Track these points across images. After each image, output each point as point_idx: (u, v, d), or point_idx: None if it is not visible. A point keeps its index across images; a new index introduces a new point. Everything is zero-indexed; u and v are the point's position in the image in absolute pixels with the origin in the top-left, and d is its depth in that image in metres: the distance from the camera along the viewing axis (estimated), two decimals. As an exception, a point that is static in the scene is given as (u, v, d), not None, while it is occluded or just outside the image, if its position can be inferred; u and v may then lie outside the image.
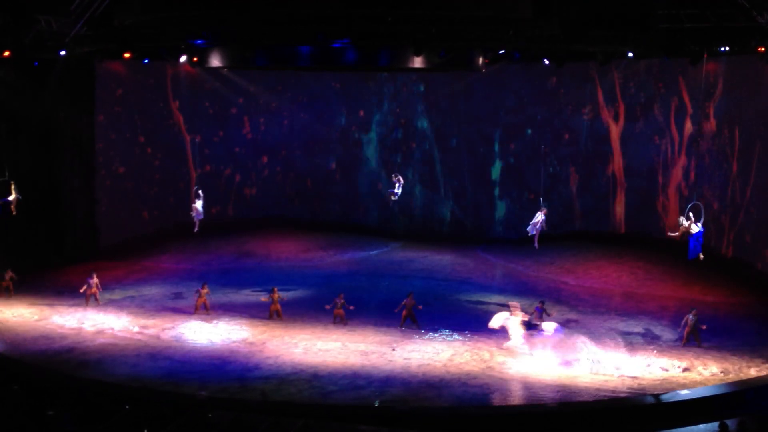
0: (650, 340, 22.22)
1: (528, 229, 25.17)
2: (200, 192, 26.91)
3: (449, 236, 34.92)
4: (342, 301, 23.35)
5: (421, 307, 23.31)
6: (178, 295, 26.26)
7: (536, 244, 25.51)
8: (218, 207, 35.03)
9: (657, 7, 22.20)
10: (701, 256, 21.24)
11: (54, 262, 29.17)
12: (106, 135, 32.24)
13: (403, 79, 35.35)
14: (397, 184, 28.01)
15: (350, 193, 36.76)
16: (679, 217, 21.57)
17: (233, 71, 34.12)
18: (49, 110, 29.11)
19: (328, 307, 23.54)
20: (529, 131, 34.25)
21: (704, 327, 21.61)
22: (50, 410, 13.93)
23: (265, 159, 36.89)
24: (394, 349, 21.08)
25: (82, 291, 24.93)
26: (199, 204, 26.63)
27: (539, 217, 24.93)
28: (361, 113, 36.36)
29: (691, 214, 21.00)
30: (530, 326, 21.13)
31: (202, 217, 26.72)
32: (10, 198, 23.32)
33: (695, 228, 20.97)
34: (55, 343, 21.43)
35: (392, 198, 28.22)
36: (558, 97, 33.57)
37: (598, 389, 18.39)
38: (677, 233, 21.49)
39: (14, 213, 24.31)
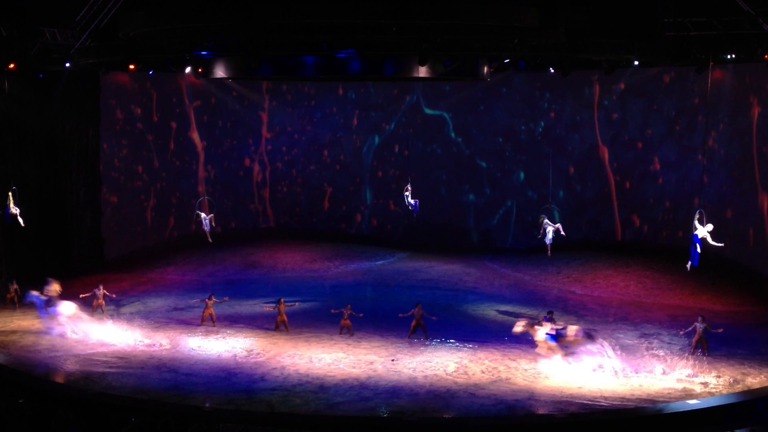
0: (658, 349, 22.06)
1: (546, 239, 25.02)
2: (206, 202, 26.89)
3: (456, 246, 34.83)
4: (349, 311, 23.28)
5: (435, 317, 23.21)
6: (183, 307, 26.19)
7: (549, 252, 25.37)
8: (225, 218, 35.01)
9: (663, 15, 22.14)
10: (687, 265, 21.14)
11: (59, 274, 29.06)
12: (112, 146, 32.26)
13: (410, 87, 35.34)
14: (408, 194, 27.91)
15: (356, 202, 36.72)
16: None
17: (238, 82, 34.16)
18: (54, 122, 29.16)
19: (334, 311, 23.51)
20: (530, 139, 34.33)
21: (720, 330, 21.49)
22: (55, 423, 13.86)
23: (271, 169, 36.89)
24: (393, 360, 20.98)
25: (82, 296, 24.87)
26: (204, 214, 26.59)
27: (551, 227, 24.86)
28: (368, 123, 36.36)
29: (710, 225, 20.94)
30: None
31: (209, 228, 26.66)
32: (13, 210, 23.33)
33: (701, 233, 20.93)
34: (60, 355, 21.35)
35: (411, 209, 28.05)
36: (563, 105, 33.56)
37: (606, 399, 18.26)
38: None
39: (22, 225, 24.23)
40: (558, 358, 20.40)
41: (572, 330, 20.82)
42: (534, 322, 21.45)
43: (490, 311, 26.14)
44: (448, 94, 35.07)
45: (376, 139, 36.27)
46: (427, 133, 35.73)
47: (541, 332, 20.72)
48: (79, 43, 23.78)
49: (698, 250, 20.78)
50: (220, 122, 35.91)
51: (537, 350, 20.89)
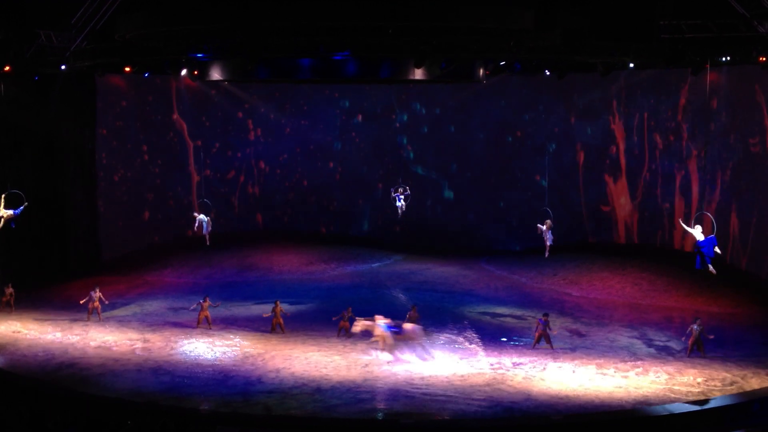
0: (654, 351, 22.10)
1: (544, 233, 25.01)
2: (202, 205, 26.87)
3: (452, 248, 34.82)
4: (349, 314, 23.26)
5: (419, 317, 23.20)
6: (179, 309, 26.16)
7: (547, 254, 25.36)
8: (221, 220, 34.97)
9: (658, 18, 22.19)
10: (711, 269, 20.76)
11: (56, 277, 29.08)
12: (108, 148, 32.26)
13: (405, 88, 35.36)
14: (400, 196, 27.95)
15: (352, 205, 36.70)
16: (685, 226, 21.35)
17: (235, 84, 34.14)
18: (50, 124, 29.12)
19: (335, 318, 23.51)
20: (526, 142, 34.36)
21: (711, 337, 21.51)
22: (52, 426, 13.84)
23: (267, 171, 36.86)
24: (388, 362, 20.92)
25: (82, 302, 24.90)
26: (203, 216, 26.54)
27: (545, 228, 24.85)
28: (363, 124, 36.36)
29: (698, 226, 20.82)
30: None
31: (208, 230, 26.62)
32: (4, 214, 23.24)
33: (699, 236, 20.74)
34: (57, 358, 21.32)
35: (399, 211, 28.15)
36: (558, 108, 33.61)
37: (602, 401, 18.27)
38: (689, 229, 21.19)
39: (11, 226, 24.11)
40: (389, 349, 21.16)
41: (409, 327, 21.58)
42: (371, 319, 21.99)
43: (486, 313, 26.14)
44: (447, 94, 35.06)
45: (373, 141, 36.25)
46: (424, 133, 35.74)
47: (381, 323, 21.49)
48: (75, 46, 23.74)
49: (717, 250, 20.56)
50: (216, 124, 35.87)
51: (372, 342, 21.58)
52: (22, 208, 23.33)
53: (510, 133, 34.69)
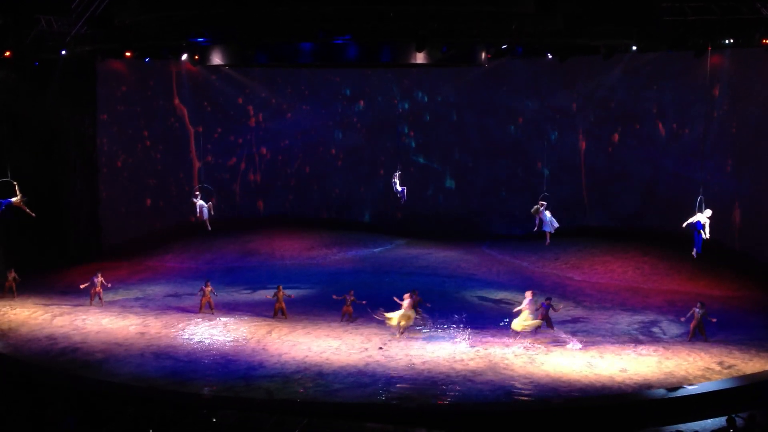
0: (656, 334, 22.12)
1: (545, 227, 24.87)
2: (202, 190, 26.80)
3: (454, 233, 34.79)
4: (352, 297, 23.28)
5: (429, 305, 23.24)
6: (182, 294, 26.19)
7: (548, 241, 25.30)
8: (222, 206, 34.97)
9: (661, 0, 22.07)
10: (694, 252, 21.05)
11: (57, 263, 29.11)
12: (109, 134, 32.19)
13: (407, 74, 35.24)
14: (398, 183, 27.87)
15: (354, 190, 36.66)
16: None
17: (236, 69, 34.04)
18: (50, 110, 29.01)
19: (335, 297, 23.61)
20: (527, 126, 34.28)
21: (714, 320, 21.51)
22: (53, 411, 13.87)
23: (269, 157, 36.81)
24: (381, 348, 20.99)
25: (82, 287, 24.93)
26: (202, 202, 26.46)
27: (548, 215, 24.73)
28: (364, 109, 36.28)
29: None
30: None
31: (208, 216, 26.56)
32: (13, 199, 23.23)
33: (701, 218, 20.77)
34: (59, 343, 21.38)
35: (400, 196, 28.08)
36: (560, 91, 33.49)
37: (604, 385, 18.30)
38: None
39: (33, 214, 23.93)
40: None
41: None
42: None
43: (488, 297, 26.17)
44: (448, 78, 34.96)
45: (374, 126, 36.16)
46: (426, 118, 35.67)
47: None
48: (75, 31, 23.68)
49: (704, 235, 20.64)
50: (217, 110, 35.80)
51: None
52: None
53: (511, 118, 34.56)
